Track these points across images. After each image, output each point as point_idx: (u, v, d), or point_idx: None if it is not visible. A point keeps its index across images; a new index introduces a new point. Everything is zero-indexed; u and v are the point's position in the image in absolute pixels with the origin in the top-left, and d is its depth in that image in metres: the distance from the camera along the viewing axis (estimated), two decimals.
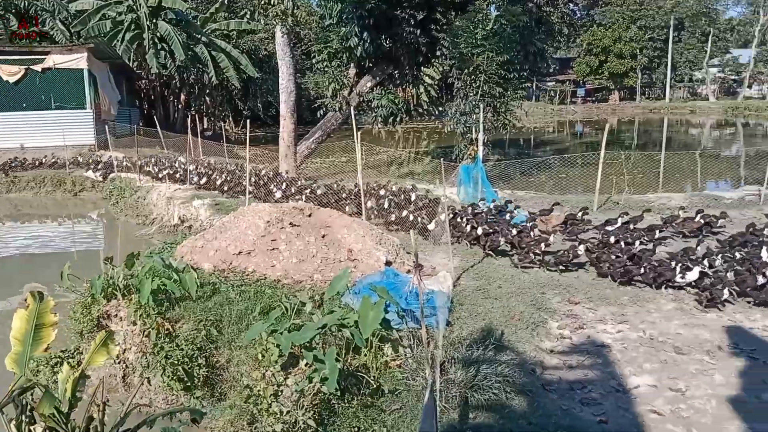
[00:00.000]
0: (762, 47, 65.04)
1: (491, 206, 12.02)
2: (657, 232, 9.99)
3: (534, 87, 67.01)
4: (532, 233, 9.55)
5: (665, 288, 7.66)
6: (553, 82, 70.48)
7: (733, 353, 5.98)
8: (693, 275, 7.55)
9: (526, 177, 18.07)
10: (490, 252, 9.39)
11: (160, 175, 18.94)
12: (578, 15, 67.51)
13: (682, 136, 43.56)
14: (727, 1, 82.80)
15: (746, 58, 66.68)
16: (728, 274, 7.54)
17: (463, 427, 4.78)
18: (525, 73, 18.83)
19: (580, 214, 11.23)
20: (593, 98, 71.23)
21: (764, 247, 8.29)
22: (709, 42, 65.68)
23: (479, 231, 9.79)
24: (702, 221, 10.46)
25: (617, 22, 64.16)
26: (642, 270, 7.84)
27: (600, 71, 65.94)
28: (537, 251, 8.75)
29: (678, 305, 7.27)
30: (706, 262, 8.05)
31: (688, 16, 66.21)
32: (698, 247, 8.79)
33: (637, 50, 63.74)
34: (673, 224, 10.56)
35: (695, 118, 57.89)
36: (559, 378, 5.57)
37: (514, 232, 9.64)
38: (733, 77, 71.64)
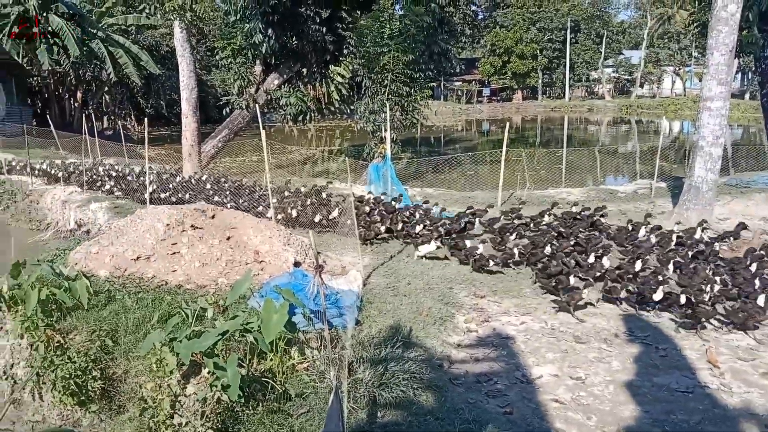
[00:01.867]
0: (650, 49, 69.31)
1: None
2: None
3: (441, 86, 68.35)
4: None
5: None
6: (460, 82, 72.07)
7: (629, 340, 6.26)
8: None
9: (437, 174, 18.36)
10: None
11: (54, 178, 17.85)
12: (481, 16, 69.49)
13: (582, 133, 45.71)
14: (618, 5, 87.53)
15: (637, 59, 70.88)
16: None
17: (372, 426, 4.73)
18: (431, 73, 19.11)
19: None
20: (498, 97, 73.43)
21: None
22: (603, 44, 69.31)
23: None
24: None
25: (518, 24, 66.44)
26: None
27: (504, 71, 68.07)
28: None
29: None
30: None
31: (584, 19, 69.56)
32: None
33: (538, 51, 66.29)
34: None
35: (593, 116, 60.95)
36: (466, 371, 5.63)
37: None
38: (626, 77, 75.92)
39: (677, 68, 70.56)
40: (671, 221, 10.68)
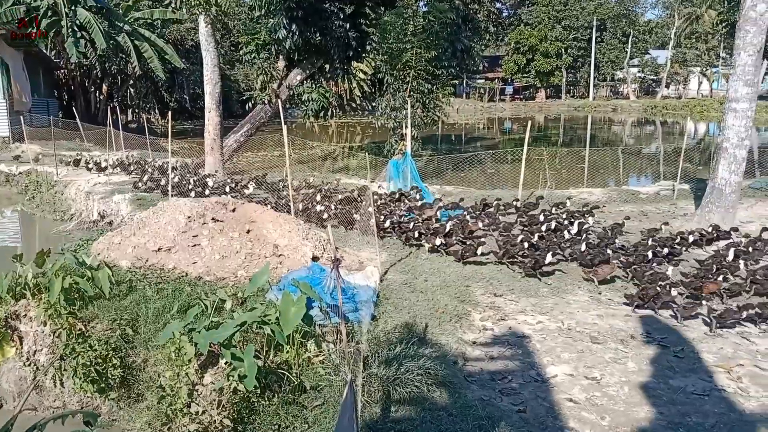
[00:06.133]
0: (677, 49, 68.33)
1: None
2: None
3: (464, 84, 68.08)
4: None
5: None
6: (483, 80, 71.79)
7: (646, 342, 6.22)
8: None
9: (457, 172, 18.34)
10: None
11: (78, 169, 18.15)
12: (505, 14, 69.06)
13: (605, 133, 45.26)
14: (645, 4, 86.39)
15: (663, 59, 69.94)
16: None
17: (385, 420, 4.76)
18: (453, 70, 19.02)
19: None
20: (521, 96, 73.02)
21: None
22: (629, 43, 68.53)
23: None
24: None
25: (543, 22, 65.97)
26: None
27: (527, 69, 67.69)
28: None
29: (594, 296, 7.51)
30: None
31: (610, 18, 68.83)
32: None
33: (562, 50, 65.78)
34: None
35: (617, 116, 60.27)
36: (480, 369, 5.64)
37: None
38: (651, 77, 74.97)
39: (704, 69, 69.45)
40: (693, 224, 10.56)
